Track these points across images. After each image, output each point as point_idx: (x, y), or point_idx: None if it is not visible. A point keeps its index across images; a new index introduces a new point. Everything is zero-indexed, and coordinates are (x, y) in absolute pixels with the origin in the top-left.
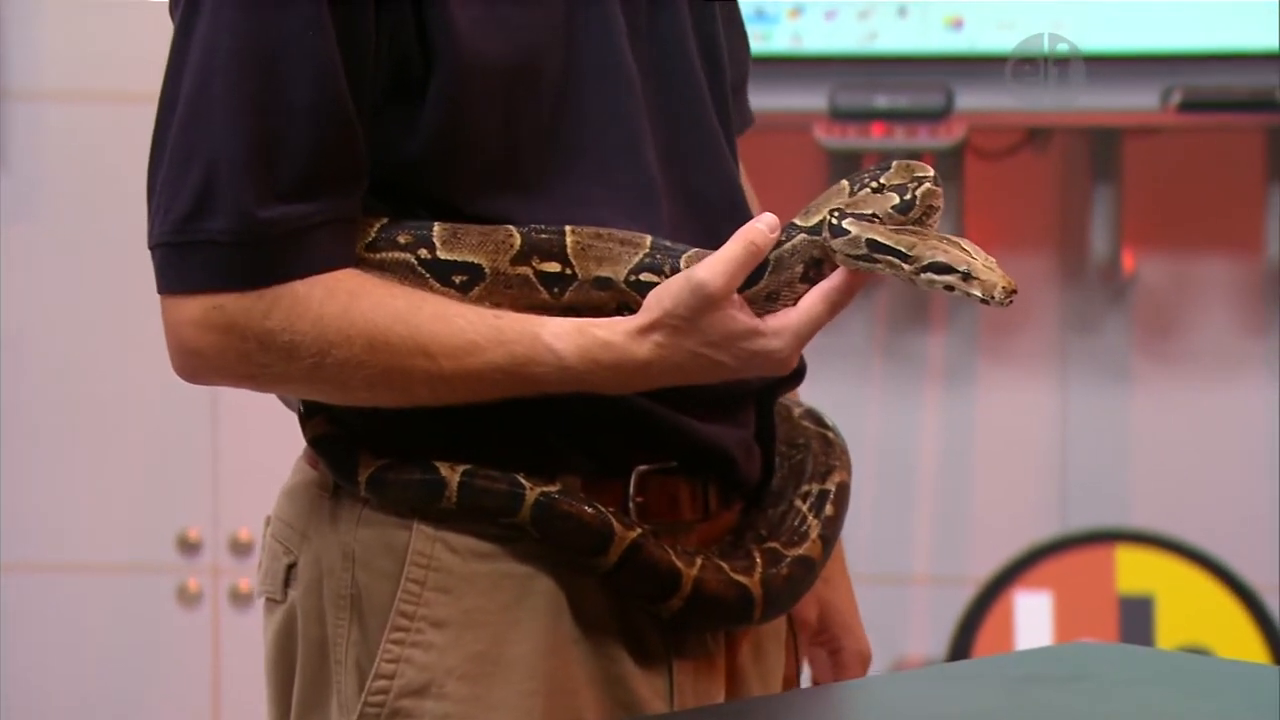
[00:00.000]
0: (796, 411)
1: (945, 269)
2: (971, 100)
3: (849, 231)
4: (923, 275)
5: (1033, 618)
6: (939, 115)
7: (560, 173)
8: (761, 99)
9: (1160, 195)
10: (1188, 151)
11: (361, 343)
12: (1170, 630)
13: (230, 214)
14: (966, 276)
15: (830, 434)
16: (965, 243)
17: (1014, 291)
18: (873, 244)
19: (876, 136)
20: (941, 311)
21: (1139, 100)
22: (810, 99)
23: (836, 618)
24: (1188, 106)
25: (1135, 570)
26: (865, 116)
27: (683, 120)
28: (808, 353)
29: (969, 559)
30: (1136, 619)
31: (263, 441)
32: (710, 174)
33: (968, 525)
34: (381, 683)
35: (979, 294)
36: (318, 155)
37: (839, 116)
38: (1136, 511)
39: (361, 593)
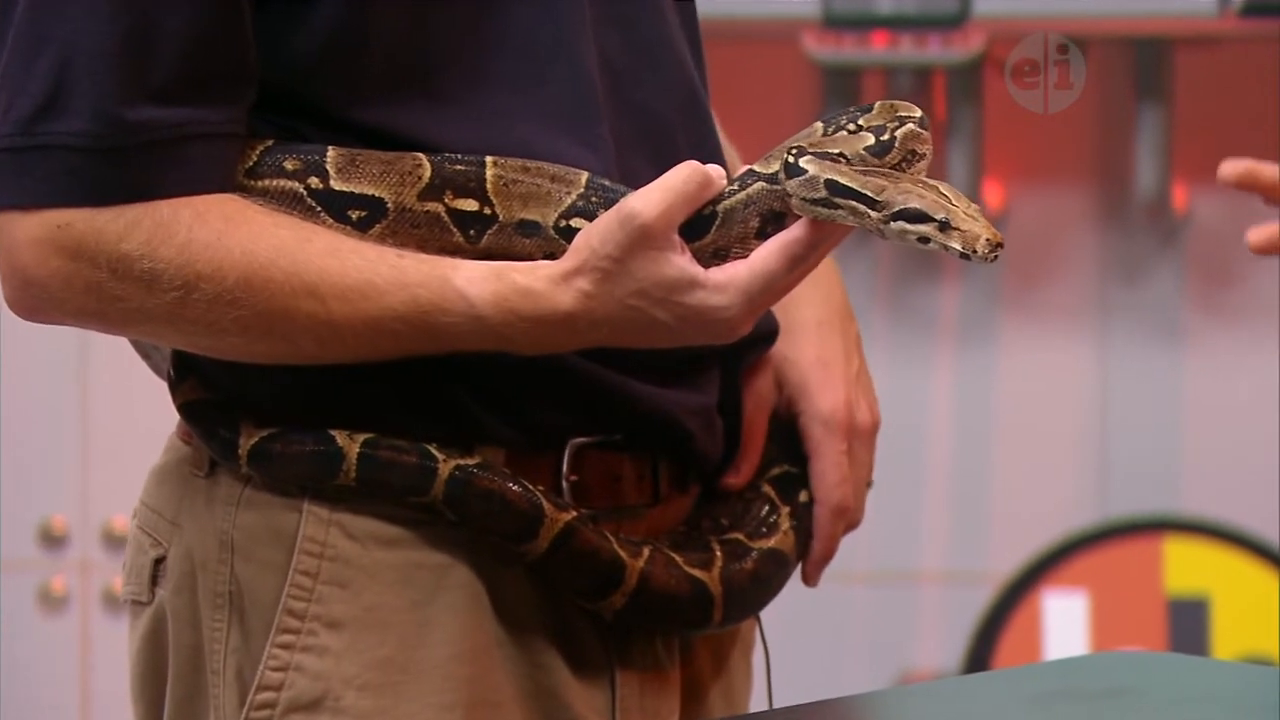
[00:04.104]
0: None
1: (919, 217)
2: (992, 3)
3: (806, 171)
4: (892, 224)
5: (1065, 622)
6: (953, 22)
7: (478, 77)
8: (742, 3)
9: (1217, 118)
10: (1250, 66)
11: (235, 276)
12: (1228, 637)
13: (88, 114)
14: (944, 226)
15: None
16: (945, 186)
17: (999, 245)
18: (833, 185)
19: (878, 48)
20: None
21: (1192, 3)
22: (799, 3)
23: (792, 374)
24: (1251, 11)
25: (1187, 566)
26: (865, 24)
27: (634, 20)
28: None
29: (989, 552)
30: (1188, 623)
31: (143, 413)
32: (666, 86)
33: (987, 512)
34: (266, 695)
35: (958, 246)
36: (199, 47)
37: (834, 24)
38: (1188, 496)
39: (242, 588)
